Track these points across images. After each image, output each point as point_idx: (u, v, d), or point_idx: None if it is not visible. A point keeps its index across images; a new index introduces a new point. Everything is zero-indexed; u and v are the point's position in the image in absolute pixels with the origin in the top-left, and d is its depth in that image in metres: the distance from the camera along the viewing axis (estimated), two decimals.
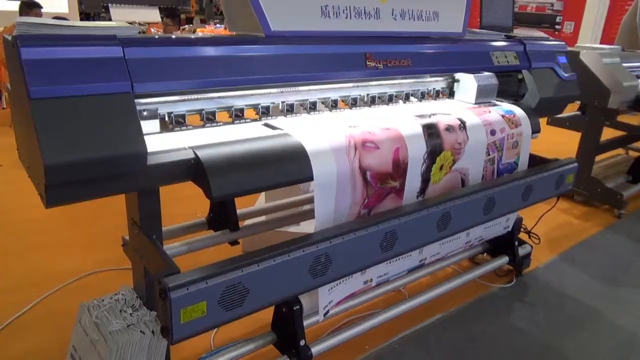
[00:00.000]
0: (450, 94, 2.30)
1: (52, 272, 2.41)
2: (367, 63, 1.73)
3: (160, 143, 1.36)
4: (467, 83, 2.22)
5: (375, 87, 2.01)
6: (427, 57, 1.93)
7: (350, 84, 1.91)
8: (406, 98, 2.13)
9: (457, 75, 2.25)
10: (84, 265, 2.47)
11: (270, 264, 1.33)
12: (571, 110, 3.92)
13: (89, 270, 2.44)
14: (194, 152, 1.33)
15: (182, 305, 1.18)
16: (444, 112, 1.94)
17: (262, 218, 2.14)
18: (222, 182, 1.31)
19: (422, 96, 2.20)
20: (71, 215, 3.10)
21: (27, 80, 1.09)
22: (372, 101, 2.01)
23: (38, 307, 2.18)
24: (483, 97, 2.23)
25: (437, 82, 2.24)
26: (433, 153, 1.83)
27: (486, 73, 2.27)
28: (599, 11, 7.94)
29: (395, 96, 2.09)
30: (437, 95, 2.26)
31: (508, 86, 2.54)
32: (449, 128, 1.89)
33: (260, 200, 2.74)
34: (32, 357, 1.89)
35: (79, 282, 2.36)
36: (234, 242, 1.95)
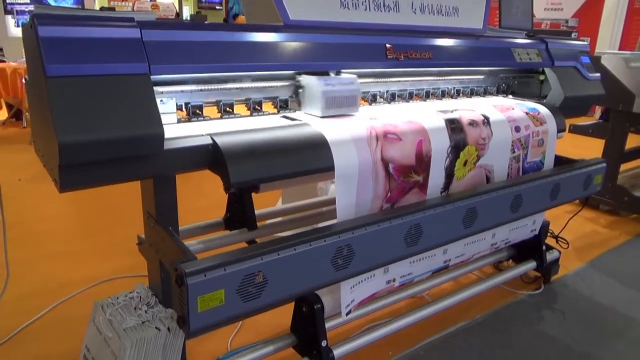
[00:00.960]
0: (472, 93, 2.24)
1: (66, 280, 2.37)
2: (388, 54, 1.69)
3: (178, 132, 1.32)
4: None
5: (395, 84, 1.97)
6: (448, 51, 1.89)
7: (370, 79, 1.88)
8: (426, 96, 2.08)
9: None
10: (99, 274, 2.43)
11: (290, 252, 1.27)
12: (592, 120, 3.85)
13: (103, 278, 2.40)
14: (211, 138, 1.30)
15: (199, 292, 1.12)
16: (466, 109, 1.89)
17: (280, 219, 2.08)
18: (241, 168, 1.27)
19: (443, 94, 2.15)
20: (86, 225, 3.09)
21: (43, 58, 1.07)
22: (392, 98, 1.97)
23: (52, 313, 2.13)
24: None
25: (460, 82, 2.19)
26: (457, 147, 1.77)
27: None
28: (614, 26, 7.87)
29: (416, 94, 2.04)
30: (457, 94, 2.21)
31: (529, 87, 2.49)
32: (473, 123, 1.83)
33: (278, 204, 2.70)
34: None
35: (93, 289, 2.31)
36: (251, 242, 1.89)
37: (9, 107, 6.00)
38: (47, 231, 2.96)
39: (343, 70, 1.65)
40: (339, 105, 1.60)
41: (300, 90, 1.63)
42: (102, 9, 8.48)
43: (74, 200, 3.45)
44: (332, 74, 1.61)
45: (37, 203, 3.40)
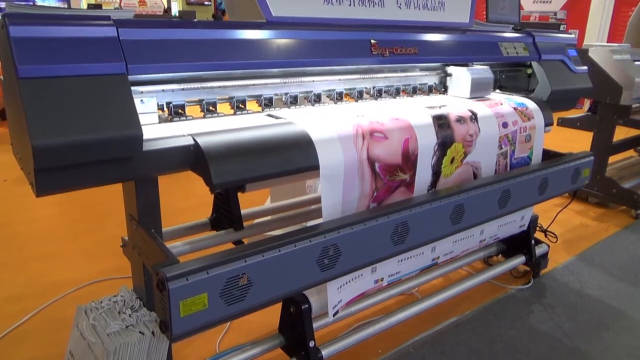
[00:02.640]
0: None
1: (52, 283, 2.34)
2: (373, 50, 1.67)
3: (159, 132, 1.29)
4: (461, 76, 2.10)
5: (382, 80, 1.95)
6: (434, 46, 1.87)
7: (356, 76, 1.85)
8: (413, 92, 2.06)
9: (450, 69, 2.15)
10: (84, 276, 2.40)
11: (275, 254, 1.25)
12: (580, 113, 3.85)
13: (89, 280, 2.37)
14: (193, 138, 1.27)
15: (181, 296, 1.10)
16: (453, 104, 1.88)
17: (268, 218, 2.06)
18: (223, 169, 1.24)
19: (430, 90, 2.13)
20: (72, 227, 3.04)
21: (15, 58, 1.03)
22: (379, 94, 1.95)
23: (38, 316, 2.10)
24: (478, 91, 2.11)
25: (434, 77, 2.16)
26: (444, 145, 1.75)
27: (481, 67, 2.15)
28: (602, 19, 7.89)
29: (402, 90, 2.02)
30: (444, 89, 2.19)
31: (517, 81, 2.48)
32: (460, 119, 1.81)
33: (267, 202, 2.67)
34: None
35: (79, 291, 2.28)
36: (238, 242, 1.87)
37: None
38: (32, 233, 2.92)
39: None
40: None
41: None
42: (89, 6, 8.38)
43: (60, 202, 3.40)
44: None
45: (22, 204, 3.35)
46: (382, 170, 1.59)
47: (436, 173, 1.77)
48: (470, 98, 2.04)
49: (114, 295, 1.53)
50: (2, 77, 1.36)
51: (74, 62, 1.09)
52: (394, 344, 1.97)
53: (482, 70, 2.09)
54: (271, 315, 1.73)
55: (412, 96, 2.05)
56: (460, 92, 2.08)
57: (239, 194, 1.83)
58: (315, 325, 1.64)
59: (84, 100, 1.08)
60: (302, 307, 1.56)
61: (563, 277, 2.55)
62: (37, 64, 1.05)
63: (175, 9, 13.27)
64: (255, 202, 2.31)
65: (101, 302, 1.50)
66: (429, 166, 1.73)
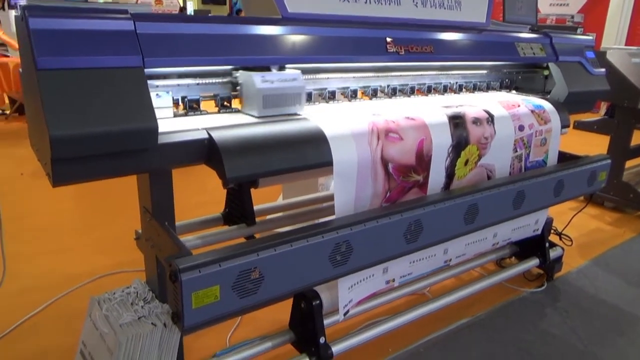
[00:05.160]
0: (474, 87, 2.21)
1: (65, 275, 2.37)
2: (388, 48, 1.66)
3: (173, 126, 1.30)
4: None
5: (397, 78, 1.94)
6: (450, 45, 1.86)
7: (371, 74, 1.85)
8: (428, 91, 2.05)
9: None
10: (97, 269, 2.43)
11: (287, 248, 1.25)
12: (597, 116, 3.80)
13: (102, 272, 2.39)
14: (207, 132, 1.28)
15: (193, 288, 1.11)
16: (470, 104, 1.86)
17: (279, 214, 2.06)
18: (237, 163, 1.25)
19: (445, 89, 2.12)
20: (86, 221, 3.08)
21: (34, 50, 1.05)
22: (393, 93, 1.94)
23: (51, 307, 2.13)
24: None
25: (462, 77, 2.16)
26: (458, 146, 1.74)
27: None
28: (621, 22, 7.78)
29: (417, 89, 2.02)
30: (459, 89, 2.18)
31: (533, 82, 2.46)
32: (476, 121, 1.80)
33: (279, 200, 2.68)
34: (42, 356, 1.83)
35: (92, 284, 2.30)
36: (249, 237, 1.87)
37: (12, 101, 6.00)
38: (47, 226, 2.96)
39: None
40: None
41: None
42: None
43: (74, 196, 3.44)
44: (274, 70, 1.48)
45: (38, 198, 3.40)
46: (395, 171, 1.58)
47: (450, 175, 1.76)
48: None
49: (126, 287, 1.55)
50: (21, 70, 1.38)
51: (92, 55, 1.10)
52: (404, 343, 1.96)
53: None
54: (281, 313, 1.74)
55: (426, 95, 2.04)
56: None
57: (252, 190, 1.84)
58: (325, 322, 1.64)
59: (100, 92, 1.09)
60: (313, 303, 1.56)
61: (577, 281, 2.51)
62: (56, 56, 1.06)
63: (190, 8, 13.38)
64: (267, 199, 2.32)
65: (114, 294, 1.51)
66: (442, 168, 1.72)
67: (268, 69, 1.47)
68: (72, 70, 1.08)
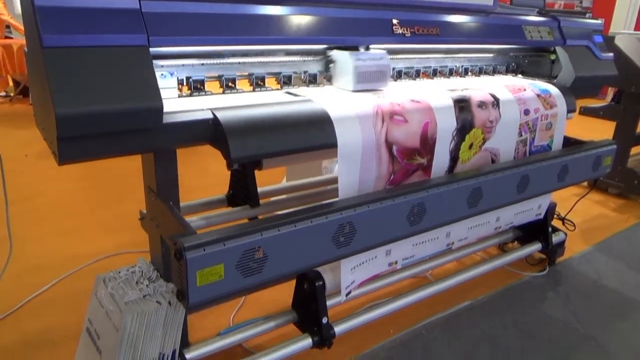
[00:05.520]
0: (480, 71, 2.20)
1: (70, 255, 2.39)
2: (394, 29, 1.65)
3: (178, 106, 1.30)
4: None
5: (402, 61, 1.93)
6: (456, 27, 1.84)
7: None
8: (433, 74, 2.04)
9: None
10: (104, 249, 2.45)
11: (291, 229, 1.26)
12: (604, 102, 3.77)
13: (107, 253, 2.41)
14: (212, 112, 1.28)
15: (198, 266, 1.12)
16: (475, 88, 1.85)
17: (283, 196, 2.07)
18: (242, 144, 1.25)
19: (450, 73, 2.10)
20: (90, 202, 3.10)
21: (39, 28, 1.04)
22: (399, 75, 1.93)
23: (56, 287, 2.15)
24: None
25: (468, 60, 2.15)
26: (463, 130, 1.73)
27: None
28: (630, 7, 7.67)
29: (423, 72, 2.00)
30: (465, 72, 2.16)
31: (539, 67, 2.43)
32: (482, 104, 1.79)
33: (283, 182, 2.68)
34: (49, 332, 1.86)
35: (98, 263, 2.33)
36: (253, 219, 1.88)
37: (16, 83, 6.00)
38: (52, 207, 2.98)
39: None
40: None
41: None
42: None
43: (79, 176, 3.46)
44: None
45: (43, 179, 3.42)
46: (399, 154, 1.58)
47: (454, 158, 1.76)
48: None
49: (132, 266, 1.57)
50: (26, 50, 1.38)
51: (97, 33, 1.10)
52: (406, 324, 1.98)
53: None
54: (284, 294, 1.76)
55: (432, 78, 2.03)
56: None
57: (256, 172, 1.84)
58: (328, 302, 1.66)
59: (106, 70, 1.09)
60: (316, 284, 1.58)
61: (579, 266, 2.52)
62: (61, 34, 1.06)
63: None
64: (271, 181, 2.33)
65: (119, 273, 1.53)
66: (447, 151, 1.71)
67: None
68: (78, 48, 1.07)
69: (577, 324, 2.06)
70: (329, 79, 1.72)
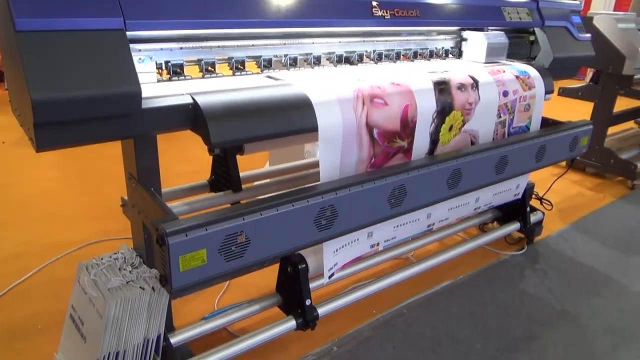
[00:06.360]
0: (459, 54, 2.21)
1: (52, 243, 2.37)
2: (374, 12, 1.65)
3: (157, 91, 1.29)
4: (477, 41, 2.14)
5: (382, 43, 1.93)
6: (436, 9, 1.84)
7: (356, 39, 1.84)
8: (414, 56, 2.05)
9: (465, 34, 2.17)
10: (86, 236, 2.43)
11: (273, 212, 1.27)
12: (582, 83, 3.83)
13: (89, 240, 2.40)
14: (192, 97, 1.27)
15: (181, 251, 1.13)
16: (455, 70, 1.86)
17: (266, 181, 2.07)
18: (222, 128, 1.25)
19: (431, 55, 2.11)
20: (72, 189, 3.06)
21: (12, 11, 1.02)
22: (379, 58, 1.94)
23: (39, 274, 2.14)
24: (493, 56, 2.15)
25: (446, 41, 2.16)
26: (442, 112, 1.75)
27: (496, 32, 2.19)
28: None
29: (403, 54, 2.01)
30: (445, 54, 2.18)
31: (519, 48, 2.45)
32: (461, 87, 1.80)
33: (266, 167, 2.69)
34: (33, 320, 1.85)
35: (80, 250, 2.32)
36: (235, 204, 1.88)
37: None
38: (32, 194, 2.94)
39: None
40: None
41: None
42: None
43: (59, 163, 3.41)
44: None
45: (22, 166, 3.36)
46: (380, 137, 1.59)
47: (434, 140, 1.78)
48: (486, 63, 2.11)
49: (114, 252, 1.56)
50: None
51: (72, 16, 1.08)
52: (388, 305, 2.02)
53: (497, 35, 2.19)
54: (269, 278, 1.78)
55: (412, 61, 2.04)
56: (476, 57, 2.16)
57: (238, 157, 1.84)
58: (311, 285, 1.68)
59: (82, 55, 1.07)
60: (299, 267, 1.60)
61: (557, 245, 2.59)
62: (35, 17, 1.04)
63: None
64: (254, 165, 2.33)
65: (102, 259, 1.53)
66: (427, 133, 1.73)
67: None
68: (52, 32, 1.06)
69: (553, 300, 2.12)
70: (310, 62, 1.72)
